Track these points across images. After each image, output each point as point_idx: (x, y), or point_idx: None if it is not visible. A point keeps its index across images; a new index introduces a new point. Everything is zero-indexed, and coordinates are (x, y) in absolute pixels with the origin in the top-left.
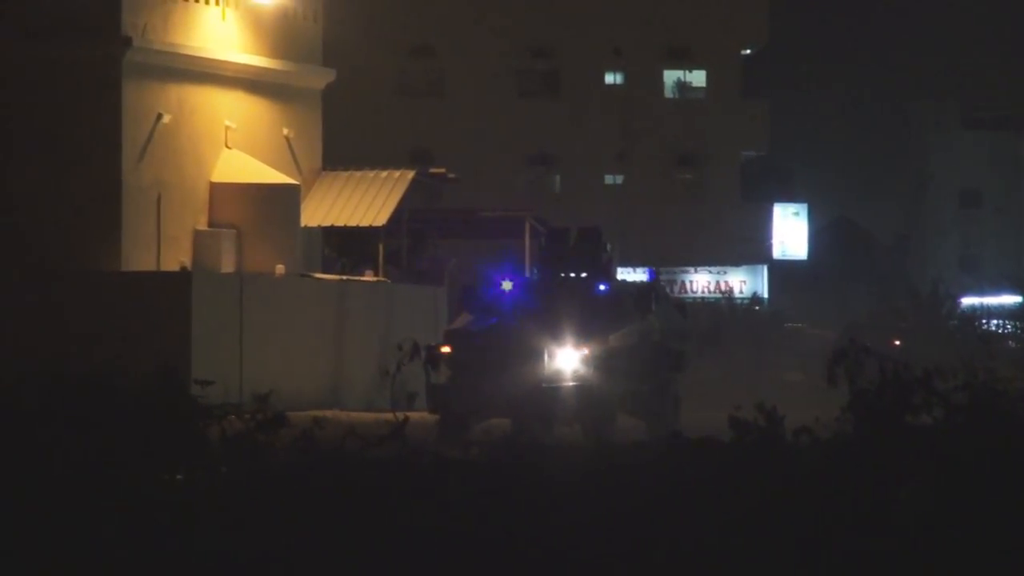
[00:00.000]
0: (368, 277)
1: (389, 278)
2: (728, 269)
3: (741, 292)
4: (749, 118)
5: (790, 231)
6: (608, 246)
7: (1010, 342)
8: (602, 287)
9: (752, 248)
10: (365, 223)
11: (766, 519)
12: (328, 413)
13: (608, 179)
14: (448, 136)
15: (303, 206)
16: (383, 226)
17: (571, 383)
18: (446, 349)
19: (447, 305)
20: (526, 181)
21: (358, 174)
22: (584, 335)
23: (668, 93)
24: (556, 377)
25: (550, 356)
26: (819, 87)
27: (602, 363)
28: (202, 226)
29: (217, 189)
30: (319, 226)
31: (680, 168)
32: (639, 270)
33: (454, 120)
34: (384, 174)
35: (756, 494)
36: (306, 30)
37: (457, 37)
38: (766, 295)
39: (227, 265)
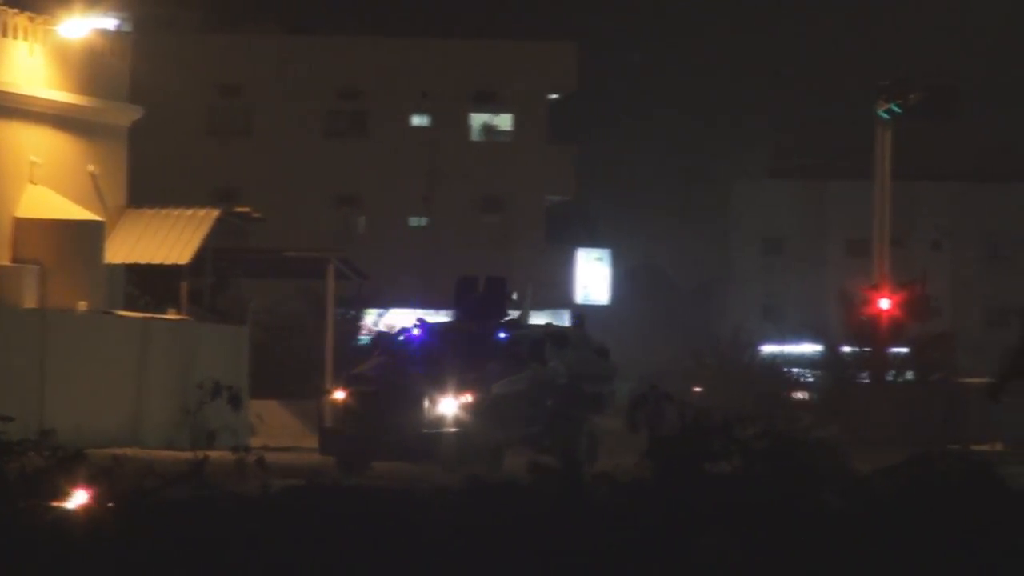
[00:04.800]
0: (171, 315)
1: (192, 317)
2: (531, 313)
3: None
4: (555, 162)
5: (593, 276)
6: (514, 295)
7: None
8: (501, 335)
9: (555, 292)
10: (169, 261)
11: (560, 564)
12: (128, 451)
13: (413, 221)
14: (255, 175)
15: (107, 243)
16: (186, 264)
17: (451, 429)
18: (340, 393)
19: (249, 344)
20: (332, 222)
21: (163, 212)
22: (468, 382)
23: (475, 136)
24: (437, 423)
25: (431, 402)
26: (627, 133)
27: (484, 410)
28: (5, 261)
29: (21, 224)
30: (123, 263)
31: (486, 211)
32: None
33: (261, 159)
34: (189, 212)
35: (551, 537)
36: (113, 67)
37: (265, 77)
38: None
39: (29, 301)
